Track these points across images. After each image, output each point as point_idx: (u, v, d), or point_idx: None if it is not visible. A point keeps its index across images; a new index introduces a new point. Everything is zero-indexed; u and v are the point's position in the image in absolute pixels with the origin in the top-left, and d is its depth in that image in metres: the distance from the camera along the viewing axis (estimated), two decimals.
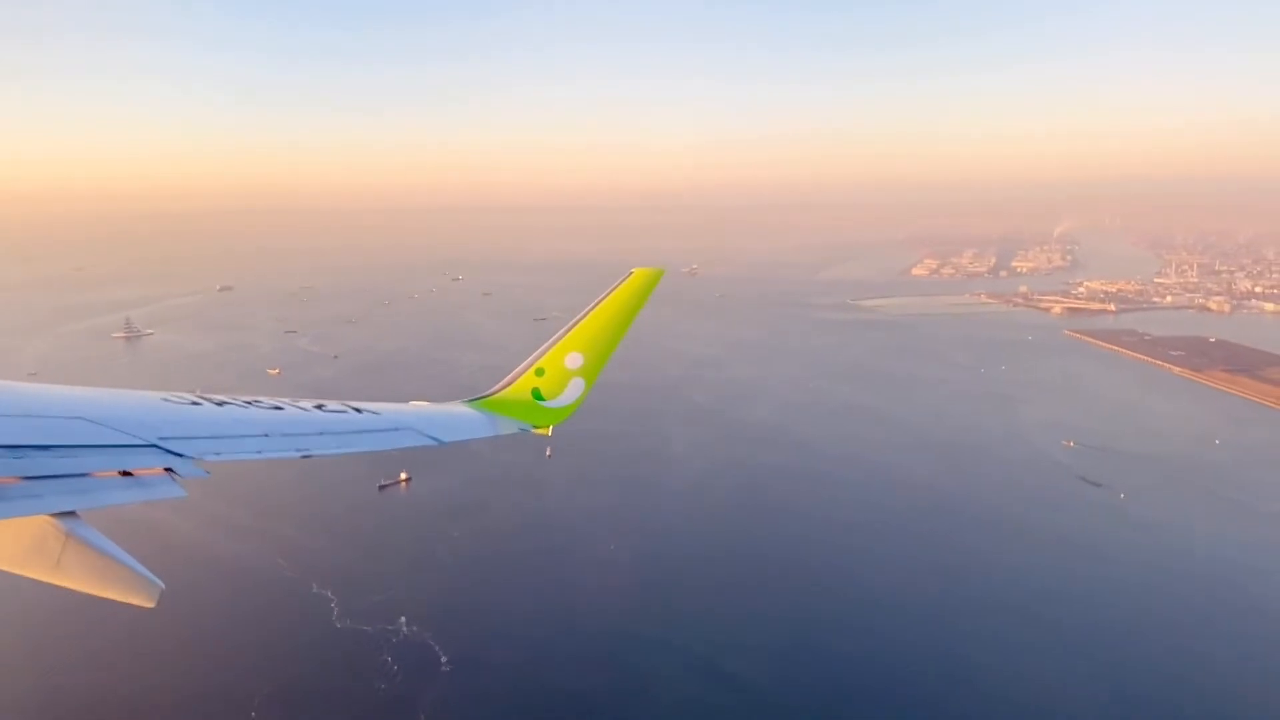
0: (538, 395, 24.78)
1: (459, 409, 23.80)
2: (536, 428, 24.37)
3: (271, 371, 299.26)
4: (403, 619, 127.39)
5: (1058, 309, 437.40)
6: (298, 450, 15.39)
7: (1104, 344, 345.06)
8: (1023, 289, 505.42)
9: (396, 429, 19.18)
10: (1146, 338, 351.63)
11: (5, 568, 10.55)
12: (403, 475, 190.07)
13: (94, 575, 10.61)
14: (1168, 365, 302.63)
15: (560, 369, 24.73)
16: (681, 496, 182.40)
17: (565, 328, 24.90)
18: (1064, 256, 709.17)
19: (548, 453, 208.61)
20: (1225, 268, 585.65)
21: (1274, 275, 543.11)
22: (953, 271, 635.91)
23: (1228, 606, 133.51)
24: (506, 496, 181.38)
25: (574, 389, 24.94)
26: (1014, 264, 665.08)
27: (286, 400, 18.33)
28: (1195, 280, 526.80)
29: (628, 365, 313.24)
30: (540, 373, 24.76)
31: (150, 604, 10.79)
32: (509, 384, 24.90)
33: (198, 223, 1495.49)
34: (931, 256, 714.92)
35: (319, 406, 18.61)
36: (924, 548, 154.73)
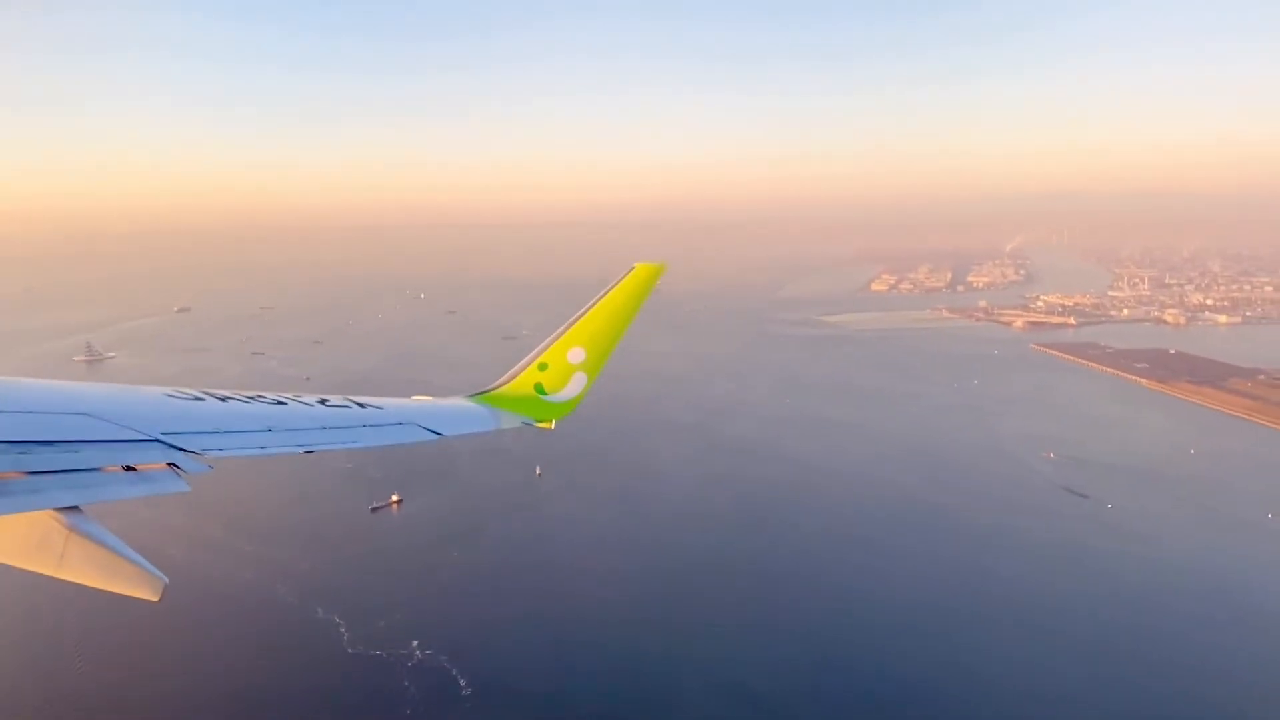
0: (540, 390, 24.94)
1: (462, 404, 24.12)
2: (539, 422, 24.59)
3: None
4: (415, 643, 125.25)
5: (1019, 323, 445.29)
6: (300, 445, 15.50)
7: (1070, 357, 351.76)
8: (983, 303, 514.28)
9: (399, 423, 19.18)
10: (1110, 350, 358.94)
11: (10, 562, 10.61)
12: (394, 497, 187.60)
13: (98, 569, 10.65)
14: (1134, 377, 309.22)
15: (563, 364, 24.94)
16: (677, 511, 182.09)
17: (568, 323, 25.13)
18: (1017, 271, 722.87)
19: (537, 471, 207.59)
20: (1174, 281, 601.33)
21: (1220, 288, 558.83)
22: (911, 287, 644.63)
23: (1228, 614, 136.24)
24: (501, 516, 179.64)
25: (576, 383, 25.13)
26: (970, 279, 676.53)
27: (289, 395, 18.46)
28: (1148, 293, 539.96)
29: (607, 381, 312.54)
30: (543, 367, 24.95)
31: (154, 598, 10.83)
32: (512, 378, 25.11)
33: (156, 241, 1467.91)
34: (888, 272, 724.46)
35: (322, 401, 18.81)
36: (922, 561, 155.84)
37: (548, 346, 25.17)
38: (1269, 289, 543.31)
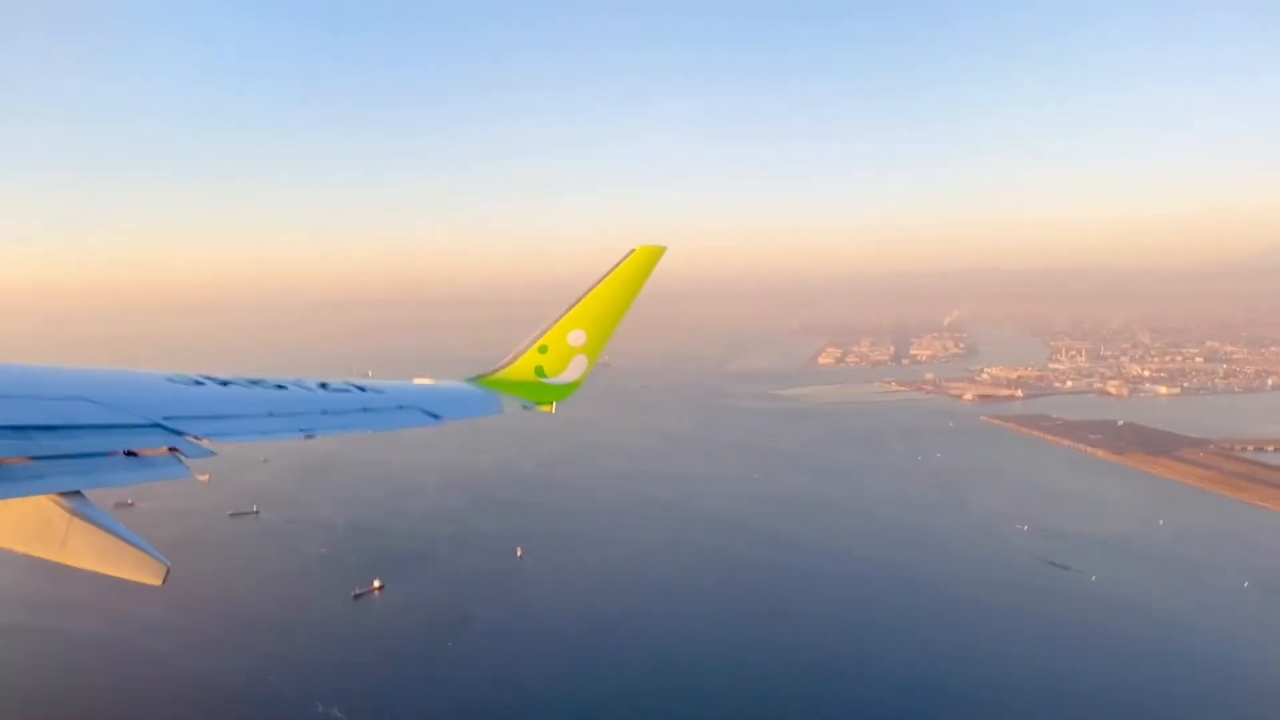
0: (540, 372, 25.29)
1: (462, 387, 24.56)
2: (540, 405, 25.06)
3: (201, 478, 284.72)
4: None
5: (969, 395, 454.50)
6: (301, 430, 15.70)
7: (1023, 429, 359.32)
8: (930, 376, 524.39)
9: (400, 407, 19.41)
10: (1060, 422, 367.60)
11: (12, 547, 10.76)
12: (376, 583, 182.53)
13: (100, 554, 10.81)
14: (1089, 448, 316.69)
15: (563, 346, 25.28)
16: (668, 597, 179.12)
17: (568, 305, 25.42)
18: (957, 344, 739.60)
19: (519, 553, 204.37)
20: (1109, 352, 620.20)
21: (1154, 359, 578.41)
22: (857, 360, 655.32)
23: (1231, 685, 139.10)
24: (488, 603, 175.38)
25: (577, 366, 25.55)
26: (913, 352, 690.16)
27: (290, 379, 18.57)
28: (1086, 365, 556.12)
29: (573, 459, 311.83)
30: (543, 350, 25.29)
31: (157, 582, 11.04)
32: (512, 361, 25.46)
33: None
34: (833, 345, 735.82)
35: (323, 385, 18.93)
36: (918, 642, 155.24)
37: (548, 329, 25.47)
38: (1199, 360, 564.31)
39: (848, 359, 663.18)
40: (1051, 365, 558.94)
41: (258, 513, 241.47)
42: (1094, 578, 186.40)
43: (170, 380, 15.85)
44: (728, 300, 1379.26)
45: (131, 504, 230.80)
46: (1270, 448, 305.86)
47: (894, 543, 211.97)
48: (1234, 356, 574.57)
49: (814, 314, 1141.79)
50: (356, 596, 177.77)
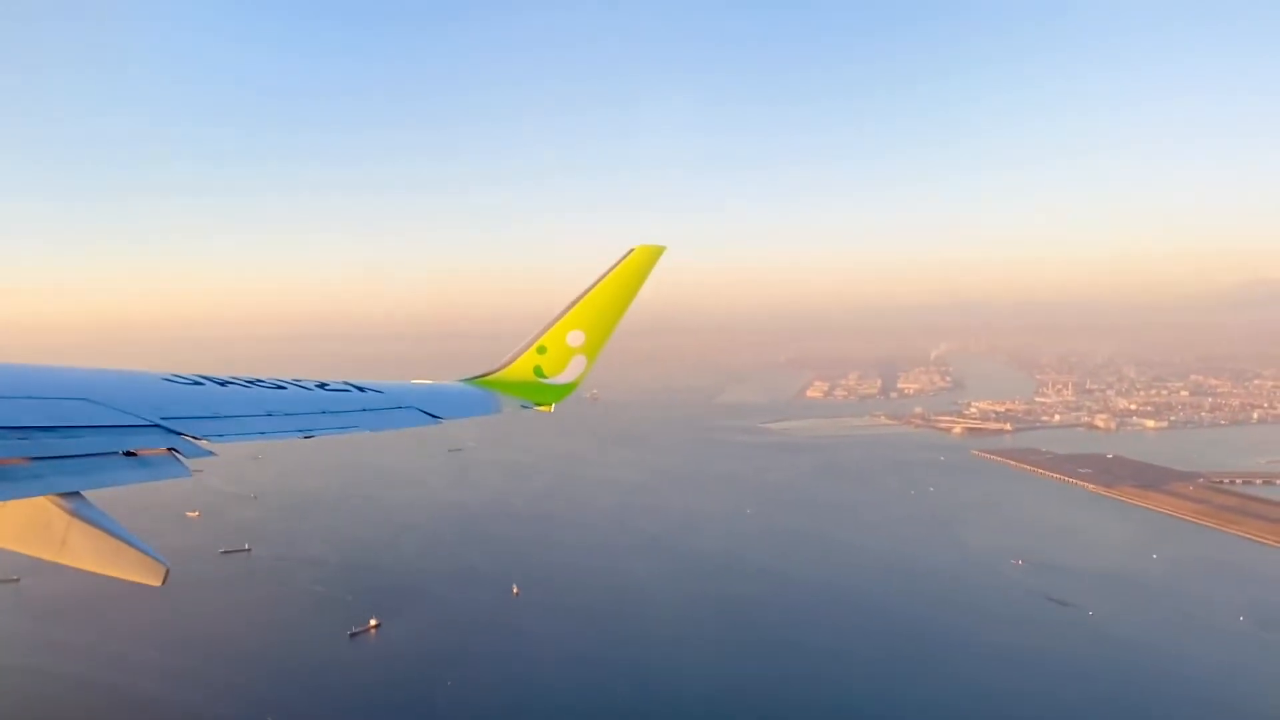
0: (539, 373, 25.32)
1: (461, 387, 24.60)
2: (539, 405, 25.08)
3: (191, 514, 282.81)
4: None
5: (958, 429, 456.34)
6: (300, 430, 15.62)
7: (1013, 462, 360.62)
8: (918, 410, 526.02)
9: (399, 407, 19.49)
10: (1050, 455, 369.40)
11: (12, 547, 10.75)
12: (372, 622, 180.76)
13: (100, 555, 10.74)
14: (1080, 482, 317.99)
15: (562, 346, 25.28)
16: (665, 632, 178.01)
17: (567, 305, 25.46)
18: (944, 378, 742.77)
19: (515, 590, 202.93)
20: (1095, 386, 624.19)
21: (1140, 393, 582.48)
22: (845, 393, 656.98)
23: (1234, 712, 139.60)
24: (486, 639, 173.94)
25: (575, 366, 25.49)
26: (900, 385, 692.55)
27: (289, 379, 18.67)
28: (1073, 399, 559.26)
29: (565, 494, 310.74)
30: (542, 350, 25.31)
31: (157, 582, 10.92)
32: (510, 361, 25.48)
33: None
34: (820, 378, 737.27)
35: (322, 385, 19.01)
36: (925, 682, 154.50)
37: (547, 329, 25.49)
38: (1184, 393, 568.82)
39: (836, 392, 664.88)
40: (1038, 399, 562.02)
41: (249, 550, 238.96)
42: (1091, 612, 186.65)
43: (169, 380, 15.89)
44: (711, 333, 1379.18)
45: None
46: (1259, 480, 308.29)
47: (890, 578, 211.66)
48: (1219, 390, 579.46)
49: (801, 347, 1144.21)
50: (353, 635, 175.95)
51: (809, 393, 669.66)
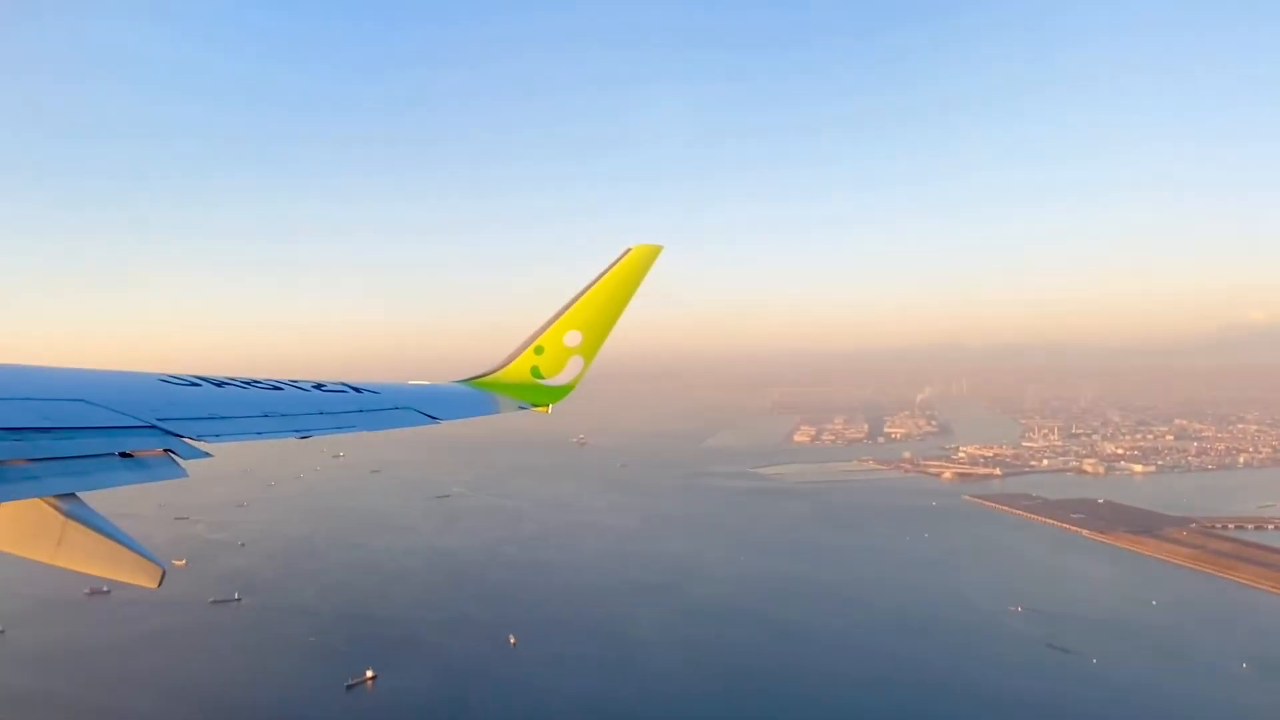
0: (537, 373, 25.28)
1: (459, 388, 24.51)
2: (536, 406, 24.95)
3: (177, 563, 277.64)
4: None
5: (948, 474, 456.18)
6: (297, 431, 15.68)
7: (1005, 508, 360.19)
8: (907, 454, 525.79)
9: (396, 408, 19.39)
10: (1041, 501, 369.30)
11: (7, 549, 10.66)
12: (368, 673, 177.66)
13: (95, 557, 10.70)
14: (1073, 527, 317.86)
15: (559, 347, 25.22)
16: (669, 687, 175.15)
17: (564, 305, 25.39)
18: (930, 422, 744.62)
19: (511, 641, 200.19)
20: (1080, 430, 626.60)
21: (1126, 437, 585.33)
22: (833, 438, 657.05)
23: None
24: (486, 694, 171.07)
25: (573, 367, 25.44)
26: (887, 430, 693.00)
27: (286, 380, 18.65)
28: (1059, 443, 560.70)
29: (558, 541, 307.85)
30: (539, 351, 25.27)
31: (153, 585, 10.89)
32: (508, 362, 25.49)
33: None
34: (806, 423, 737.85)
35: (318, 386, 18.97)
36: None
37: (544, 330, 25.36)
38: (1170, 438, 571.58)
39: (823, 437, 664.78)
40: (1025, 443, 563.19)
41: (240, 600, 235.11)
42: (1094, 660, 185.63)
43: (166, 381, 15.80)
44: (693, 376, 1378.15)
45: (108, 591, 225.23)
46: (1251, 525, 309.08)
47: (889, 626, 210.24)
48: (1203, 434, 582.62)
49: (786, 391, 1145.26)
50: (349, 687, 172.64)
51: (797, 437, 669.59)
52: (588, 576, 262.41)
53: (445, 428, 20.89)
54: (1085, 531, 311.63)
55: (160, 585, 10.83)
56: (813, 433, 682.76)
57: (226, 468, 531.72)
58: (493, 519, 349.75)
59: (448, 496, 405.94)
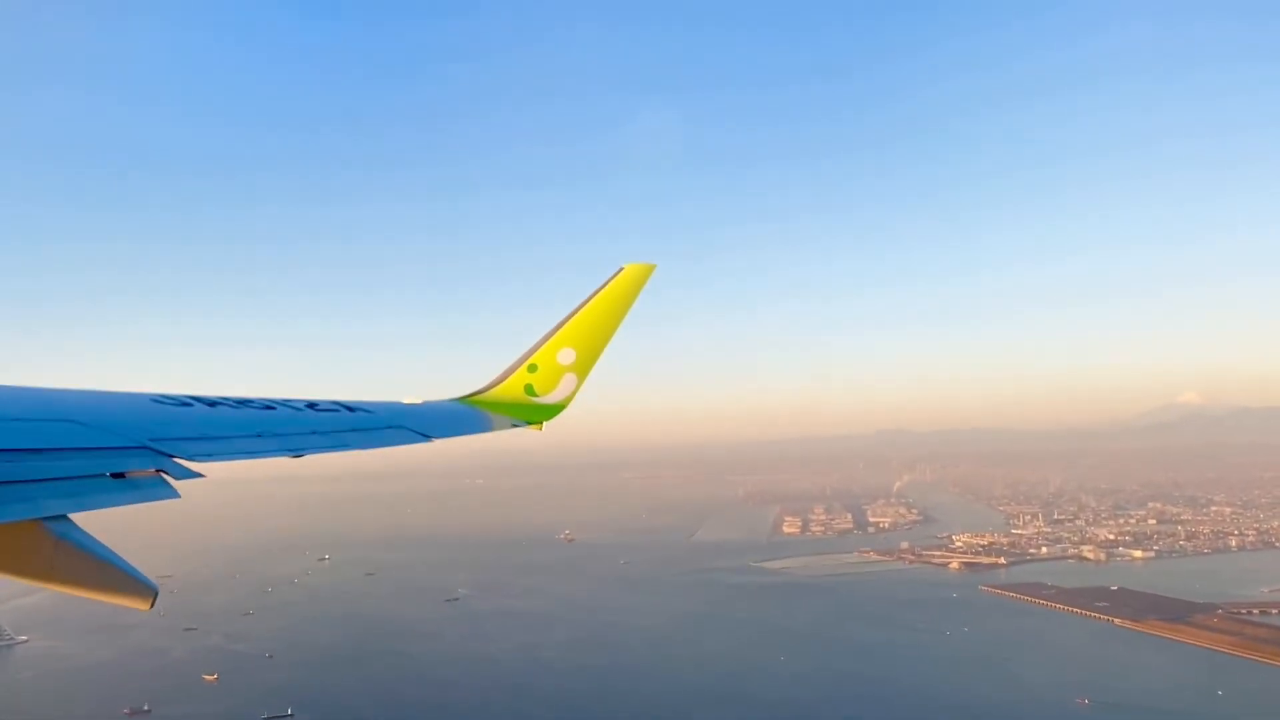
0: (530, 391, 25.56)
1: (453, 406, 24.98)
2: (529, 424, 25.10)
3: (208, 677, 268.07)
4: None
5: (955, 564, 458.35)
6: (290, 450, 15.62)
7: (1026, 598, 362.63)
8: (905, 545, 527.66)
9: (389, 427, 19.55)
10: (1055, 590, 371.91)
11: None
12: None
13: (88, 578, 10.49)
14: (1103, 616, 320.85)
15: (553, 365, 25.48)
16: None
17: (558, 324, 25.69)
18: (910, 510, 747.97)
19: None
20: (1062, 515, 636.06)
21: (1108, 521, 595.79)
22: (821, 529, 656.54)
23: None
24: None
25: (567, 385, 25.65)
26: (872, 519, 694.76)
27: (278, 399, 18.81)
28: (1048, 530, 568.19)
29: (595, 644, 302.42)
30: (533, 369, 25.55)
31: (145, 607, 10.65)
32: (501, 380, 25.78)
33: None
34: (788, 513, 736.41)
35: (311, 405, 19.10)
36: None
37: (538, 347, 25.71)
38: (1152, 522, 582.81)
39: (812, 528, 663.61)
40: (1015, 530, 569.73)
41: (293, 716, 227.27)
42: None
43: (157, 401, 15.76)
44: (648, 467, 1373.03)
45: (148, 710, 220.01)
46: (1275, 611, 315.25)
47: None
48: (1182, 518, 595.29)
49: (754, 480, 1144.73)
50: None
51: (785, 529, 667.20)
52: (637, 680, 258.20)
53: (439, 451, 20.80)
54: (1116, 620, 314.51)
55: (152, 607, 10.62)
56: (799, 524, 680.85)
57: (210, 573, 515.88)
58: (517, 622, 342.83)
59: (457, 599, 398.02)
